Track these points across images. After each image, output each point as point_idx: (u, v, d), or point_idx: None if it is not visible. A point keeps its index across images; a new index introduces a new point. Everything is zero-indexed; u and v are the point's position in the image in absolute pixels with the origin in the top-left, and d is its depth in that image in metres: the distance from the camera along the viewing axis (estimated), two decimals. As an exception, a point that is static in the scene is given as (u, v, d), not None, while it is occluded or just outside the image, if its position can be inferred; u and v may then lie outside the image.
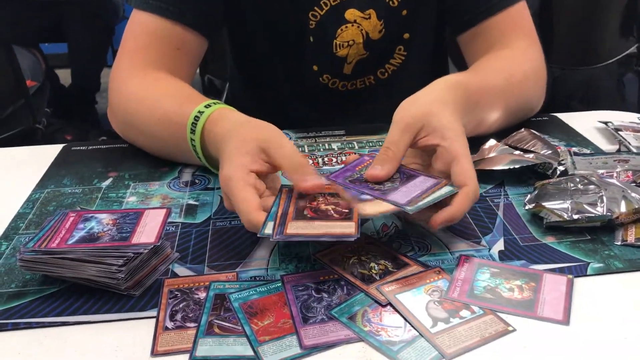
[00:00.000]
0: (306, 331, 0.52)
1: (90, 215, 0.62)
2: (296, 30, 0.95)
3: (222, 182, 0.63)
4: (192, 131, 0.72)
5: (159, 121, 0.79)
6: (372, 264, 0.61)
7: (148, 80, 0.84)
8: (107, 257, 0.56)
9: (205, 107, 0.72)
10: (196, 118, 0.72)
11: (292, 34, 0.96)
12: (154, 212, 0.62)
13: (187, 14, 0.86)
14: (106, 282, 0.57)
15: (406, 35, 0.97)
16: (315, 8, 0.92)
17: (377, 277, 0.59)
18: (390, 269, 0.60)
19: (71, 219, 0.61)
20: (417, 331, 0.52)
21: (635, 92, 2.33)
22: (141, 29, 0.87)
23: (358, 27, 0.93)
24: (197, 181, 0.79)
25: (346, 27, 0.93)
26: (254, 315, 0.54)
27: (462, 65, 0.96)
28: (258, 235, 0.58)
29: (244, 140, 0.64)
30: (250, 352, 0.50)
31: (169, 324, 0.54)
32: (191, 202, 0.74)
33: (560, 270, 0.59)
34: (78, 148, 0.91)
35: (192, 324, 0.54)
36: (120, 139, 0.90)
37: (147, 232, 0.59)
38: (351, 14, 0.93)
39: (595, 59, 2.23)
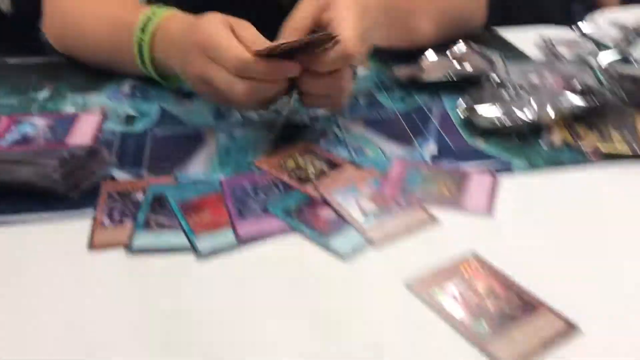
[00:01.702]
0: (242, 224, 0.54)
1: (24, 119, 0.62)
2: None
3: (202, 39, 0.61)
4: (143, 30, 0.70)
5: (102, 24, 0.77)
6: (309, 167, 0.62)
7: None
8: (43, 158, 0.56)
9: (158, 8, 0.71)
10: (149, 18, 0.70)
11: None
12: (89, 117, 0.62)
13: None
14: (43, 185, 0.57)
15: None
16: None
17: (314, 179, 0.60)
18: (325, 170, 0.62)
19: (4, 123, 0.61)
20: (348, 222, 0.54)
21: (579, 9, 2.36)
22: None
23: None
24: (137, 93, 0.79)
25: None
26: (191, 212, 0.56)
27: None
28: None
29: (216, 16, 0.63)
30: (186, 243, 0.52)
31: (106, 222, 0.55)
32: (131, 112, 0.74)
33: (487, 169, 0.62)
34: (14, 62, 0.88)
35: (130, 221, 0.55)
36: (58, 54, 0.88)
37: (82, 134, 0.59)
38: None
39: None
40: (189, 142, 0.68)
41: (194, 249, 0.51)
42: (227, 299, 0.46)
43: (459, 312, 0.45)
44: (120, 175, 0.62)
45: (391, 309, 0.45)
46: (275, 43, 0.59)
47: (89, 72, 0.83)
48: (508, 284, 0.47)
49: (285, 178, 0.60)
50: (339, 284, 0.48)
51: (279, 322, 0.44)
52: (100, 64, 0.82)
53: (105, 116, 0.62)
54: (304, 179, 0.60)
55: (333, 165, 0.62)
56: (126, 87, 0.80)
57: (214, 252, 0.51)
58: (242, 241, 0.52)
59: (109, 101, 0.76)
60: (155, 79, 0.75)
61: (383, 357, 0.41)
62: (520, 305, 0.45)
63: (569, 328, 0.43)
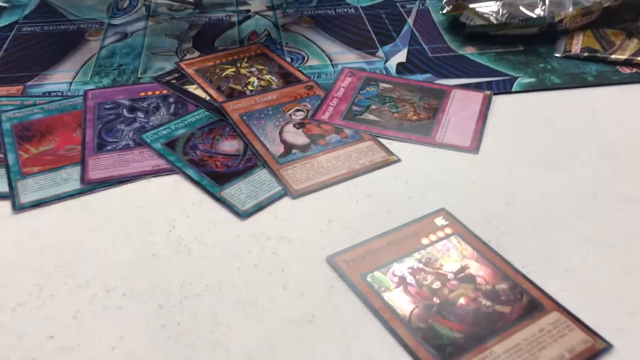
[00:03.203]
0: (97, 161, 0.36)
1: None
2: None
3: None
4: None
5: None
6: (252, 79, 0.43)
7: None
8: None
9: None
10: None
11: None
12: None
13: None
14: None
15: None
16: None
17: (251, 95, 0.42)
18: (274, 86, 0.43)
19: None
20: (260, 161, 0.36)
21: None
22: None
23: None
24: (14, -21, 0.59)
25: None
26: (29, 139, 0.37)
27: None
28: None
29: None
30: (4, 188, 0.34)
31: None
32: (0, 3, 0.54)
33: (477, 86, 0.43)
34: None
35: None
36: None
37: None
38: None
39: None
40: (63, 40, 0.49)
41: (12, 197, 0.33)
42: (41, 278, 0.28)
43: (407, 310, 0.27)
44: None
45: (298, 301, 0.27)
46: None
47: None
48: (496, 265, 0.29)
49: (211, 90, 0.42)
50: (225, 258, 0.30)
51: (113, 321, 0.26)
52: None
53: None
54: (236, 95, 0.41)
55: (288, 80, 0.44)
56: (5, -28, 0.60)
57: (42, 202, 0.33)
58: (90, 187, 0.34)
59: (-27, -11, 0.57)
60: None
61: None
62: (515, 302, 0.28)
63: (595, 347, 0.26)
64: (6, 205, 0.33)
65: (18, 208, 0.32)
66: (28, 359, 0.25)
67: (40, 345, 0.26)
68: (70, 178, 0.34)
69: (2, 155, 0.36)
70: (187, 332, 0.26)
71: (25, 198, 0.33)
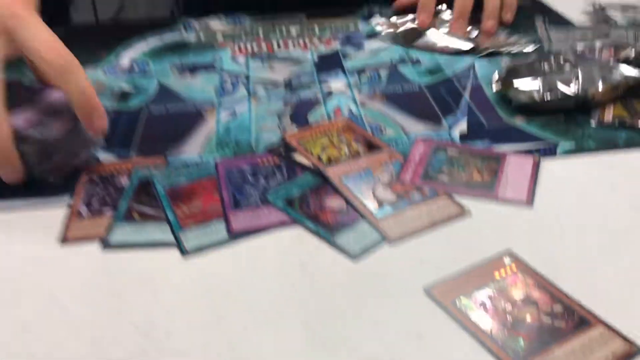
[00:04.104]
0: (236, 216, 0.46)
1: None
2: None
3: None
4: None
5: None
6: (343, 148, 0.54)
7: None
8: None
9: None
10: None
11: None
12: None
13: None
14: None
15: None
16: None
17: (345, 161, 0.52)
18: (362, 154, 0.53)
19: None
20: (360, 214, 0.46)
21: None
22: None
23: None
24: (135, 67, 0.71)
25: None
26: (180, 200, 0.48)
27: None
28: None
29: None
30: (170, 238, 0.45)
31: (83, 210, 0.48)
32: (126, 88, 0.67)
33: (528, 151, 0.53)
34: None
35: (110, 211, 0.48)
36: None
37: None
38: None
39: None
40: (186, 120, 0.60)
41: (179, 245, 0.44)
42: (213, 304, 0.39)
43: (489, 326, 0.36)
44: (107, 157, 0.55)
45: (407, 321, 0.37)
46: None
47: (91, 44, 0.76)
48: (552, 293, 0.39)
49: (313, 159, 0.52)
50: (345, 289, 0.40)
51: (272, 335, 0.36)
52: None
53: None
54: (333, 162, 0.52)
55: (372, 147, 0.54)
56: (125, 60, 0.73)
57: (201, 249, 0.44)
58: (234, 236, 0.45)
59: (103, 76, 0.69)
60: None
61: (395, 383, 0.34)
62: (568, 319, 0.37)
63: (631, 350, 0.35)
64: (175, 251, 0.44)
65: (185, 253, 0.43)
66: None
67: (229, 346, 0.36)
68: (218, 230, 0.45)
69: (162, 214, 0.47)
70: (334, 331, 0.36)
71: (188, 245, 0.44)
